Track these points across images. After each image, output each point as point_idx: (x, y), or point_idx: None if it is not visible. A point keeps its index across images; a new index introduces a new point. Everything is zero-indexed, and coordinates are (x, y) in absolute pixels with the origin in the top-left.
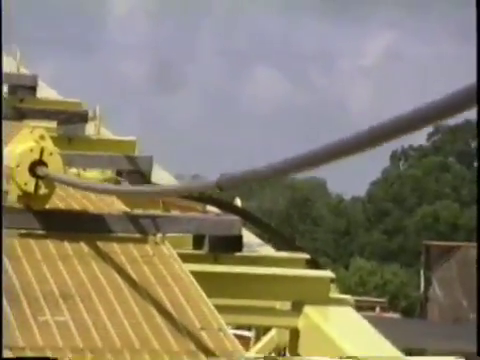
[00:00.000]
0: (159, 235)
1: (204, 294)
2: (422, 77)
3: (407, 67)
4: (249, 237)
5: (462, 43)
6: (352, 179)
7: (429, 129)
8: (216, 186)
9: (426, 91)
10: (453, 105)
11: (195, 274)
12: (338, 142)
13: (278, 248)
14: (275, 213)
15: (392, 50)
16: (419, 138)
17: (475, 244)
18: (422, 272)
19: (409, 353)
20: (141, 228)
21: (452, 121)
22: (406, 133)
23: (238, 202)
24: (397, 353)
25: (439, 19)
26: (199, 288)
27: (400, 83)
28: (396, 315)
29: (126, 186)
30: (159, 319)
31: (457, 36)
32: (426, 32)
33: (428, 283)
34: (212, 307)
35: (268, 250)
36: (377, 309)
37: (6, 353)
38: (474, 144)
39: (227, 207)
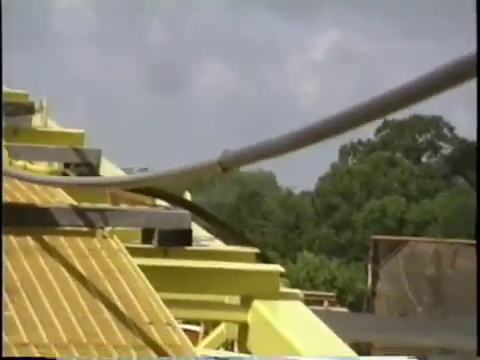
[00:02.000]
0: (107, 229)
1: (153, 288)
2: (369, 73)
3: (355, 63)
4: (199, 231)
5: (409, 40)
6: (301, 173)
7: (378, 123)
8: (218, 164)
9: (373, 87)
10: (451, 77)
11: (144, 268)
12: (342, 114)
13: (227, 242)
14: (224, 207)
15: (340, 46)
16: (368, 133)
17: (422, 238)
18: (370, 266)
19: (357, 346)
20: (89, 221)
21: (399, 116)
22: (401, 107)
23: (188, 196)
24: (345, 347)
25: (386, 15)
26: (147, 282)
27: (348, 79)
28: (344, 309)
29: (88, 178)
30: (107, 313)
31: (404, 33)
32: (374, 28)
33: (376, 277)
34: (160, 301)
35: (217, 244)
36: (325, 303)
37: None
38: (421, 139)
39: (177, 201)
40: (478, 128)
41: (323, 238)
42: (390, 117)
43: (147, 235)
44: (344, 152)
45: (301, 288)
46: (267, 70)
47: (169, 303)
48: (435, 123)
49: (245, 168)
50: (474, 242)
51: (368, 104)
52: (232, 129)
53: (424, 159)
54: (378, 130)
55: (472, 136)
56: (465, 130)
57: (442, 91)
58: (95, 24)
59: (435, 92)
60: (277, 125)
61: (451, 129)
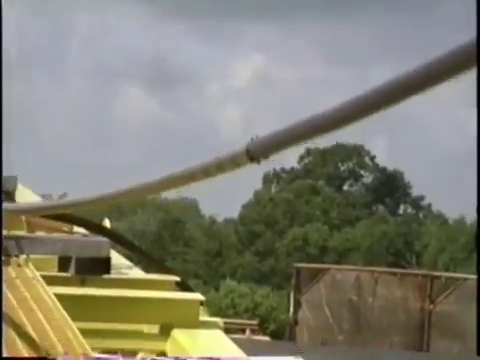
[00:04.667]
0: (23, 257)
1: (69, 318)
2: (290, 99)
3: (276, 89)
4: (118, 259)
5: (330, 67)
6: (225, 201)
7: (300, 151)
8: (246, 153)
9: (296, 113)
10: (449, 67)
11: (60, 297)
12: (366, 96)
13: (148, 270)
14: (147, 234)
15: (261, 72)
16: (291, 160)
17: (343, 266)
18: (292, 294)
19: None
20: (3, 249)
21: (322, 143)
22: (399, 100)
23: (107, 223)
24: None
25: (308, 42)
26: (64, 312)
27: (268, 105)
28: (266, 338)
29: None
30: (21, 344)
31: (325, 60)
32: (295, 55)
33: (298, 305)
34: (77, 331)
35: (137, 272)
36: (247, 331)
37: None
38: (343, 167)
39: (95, 228)
40: (478, 129)
41: (246, 266)
42: (312, 145)
43: (64, 263)
44: (267, 180)
45: (224, 316)
46: (188, 96)
47: (86, 333)
48: (357, 151)
49: (168, 195)
50: (394, 270)
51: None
52: (154, 155)
53: (346, 187)
54: (301, 158)
55: (392, 165)
56: (385, 159)
57: (440, 82)
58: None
59: (432, 83)
60: (199, 151)
61: (372, 158)
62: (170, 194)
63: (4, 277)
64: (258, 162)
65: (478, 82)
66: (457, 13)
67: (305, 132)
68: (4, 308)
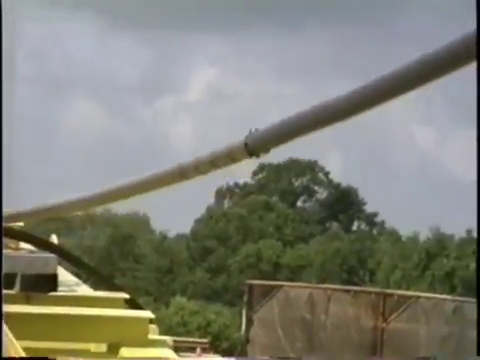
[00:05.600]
0: None
1: (13, 337)
2: (242, 113)
3: (228, 103)
4: (65, 276)
5: (282, 81)
6: (176, 216)
7: (254, 166)
8: (244, 147)
9: (248, 127)
10: (448, 60)
11: (5, 316)
12: (363, 90)
13: (96, 287)
14: (96, 250)
15: (214, 86)
16: (244, 175)
17: (296, 283)
18: (244, 312)
19: None
20: None
21: (276, 159)
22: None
23: (54, 239)
24: None
25: (261, 56)
26: (8, 331)
27: (221, 119)
28: (217, 356)
29: None
30: None
31: (278, 74)
32: (248, 69)
33: (250, 323)
34: (21, 351)
35: (85, 290)
36: (198, 350)
37: None
38: (297, 183)
39: (42, 244)
40: (478, 130)
41: (198, 282)
42: (267, 160)
43: (9, 280)
44: (220, 195)
45: (174, 334)
46: (139, 108)
47: (31, 352)
48: (311, 167)
49: (118, 209)
50: (347, 287)
51: (379, 82)
52: (104, 168)
53: (300, 203)
54: (254, 173)
55: (346, 181)
56: (340, 175)
57: (441, 75)
58: None
59: (431, 77)
60: (150, 165)
61: (326, 174)
62: (120, 208)
63: None
64: (257, 156)
65: (478, 81)
66: (410, 27)
67: (307, 124)
68: None
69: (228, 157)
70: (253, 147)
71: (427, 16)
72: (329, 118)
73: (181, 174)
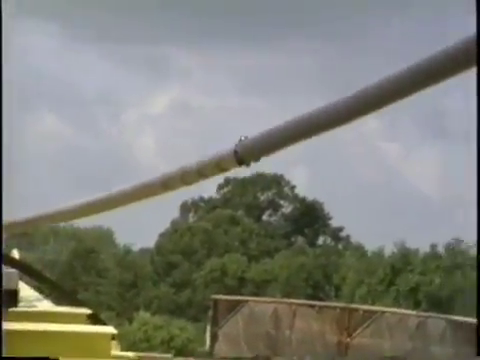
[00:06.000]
0: None
1: None
2: (207, 127)
3: (193, 117)
4: (26, 291)
5: (247, 95)
6: (140, 230)
7: (219, 180)
8: (234, 155)
9: (211, 142)
10: (447, 65)
11: None
12: (354, 98)
13: (58, 303)
14: (58, 265)
15: (180, 99)
16: (209, 189)
17: (261, 298)
18: (208, 327)
19: None
20: None
21: (242, 173)
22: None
23: (15, 254)
24: None
25: (227, 70)
26: None
27: (186, 133)
28: None
29: None
30: None
31: (243, 88)
32: (213, 83)
33: (214, 338)
34: None
35: (46, 305)
36: None
37: None
38: (262, 197)
39: (2, 259)
40: (478, 129)
41: (162, 297)
42: (232, 174)
43: None
44: (185, 208)
45: (137, 350)
46: (104, 122)
47: None
48: (277, 181)
49: (81, 223)
50: (312, 303)
51: (369, 91)
52: (68, 182)
53: (265, 217)
54: (220, 187)
55: (312, 195)
56: (305, 189)
57: (441, 80)
58: None
59: (433, 80)
60: (116, 179)
61: (292, 188)
62: (83, 222)
63: None
64: (247, 165)
65: (478, 79)
66: (377, 42)
67: (298, 132)
68: None
69: (216, 166)
70: (243, 155)
71: (393, 32)
72: (321, 126)
73: (164, 185)
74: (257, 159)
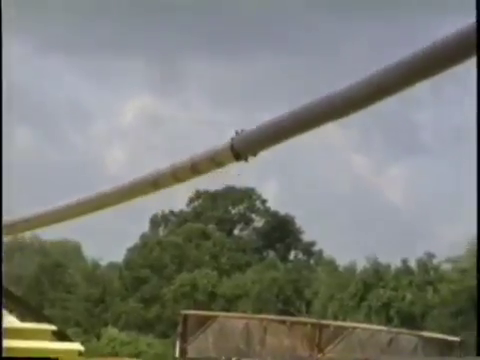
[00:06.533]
0: None
1: None
2: (176, 139)
3: (162, 129)
4: None
5: (217, 107)
6: (109, 244)
7: (190, 193)
8: (230, 149)
9: (180, 152)
10: (447, 55)
11: None
12: (351, 89)
13: (23, 319)
14: (24, 279)
15: (149, 111)
16: (179, 203)
17: (232, 314)
18: (178, 342)
19: None
20: None
21: (213, 187)
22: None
23: None
24: None
25: (197, 82)
26: None
27: (155, 144)
28: None
29: None
30: None
31: (213, 100)
32: (183, 94)
33: (184, 354)
34: None
35: (11, 321)
36: None
37: None
38: (234, 211)
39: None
40: (478, 129)
41: (130, 313)
42: (203, 187)
43: None
44: (155, 222)
45: None
46: (73, 134)
47: None
48: (248, 195)
49: (48, 236)
50: (283, 318)
51: (369, 81)
52: (38, 195)
53: (236, 231)
54: (190, 200)
55: (284, 209)
56: (277, 203)
57: (440, 70)
58: None
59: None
60: (86, 188)
61: (263, 201)
62: (51, 235)
63: None
64: (245, 160)
65: (478, 77)
66: (349, 55)
67: (296, 125)
68: None
69: (212, 161)
70: (240, 150)
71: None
72: (320, 118)
73: (155, 183)
74: (254, 154)
